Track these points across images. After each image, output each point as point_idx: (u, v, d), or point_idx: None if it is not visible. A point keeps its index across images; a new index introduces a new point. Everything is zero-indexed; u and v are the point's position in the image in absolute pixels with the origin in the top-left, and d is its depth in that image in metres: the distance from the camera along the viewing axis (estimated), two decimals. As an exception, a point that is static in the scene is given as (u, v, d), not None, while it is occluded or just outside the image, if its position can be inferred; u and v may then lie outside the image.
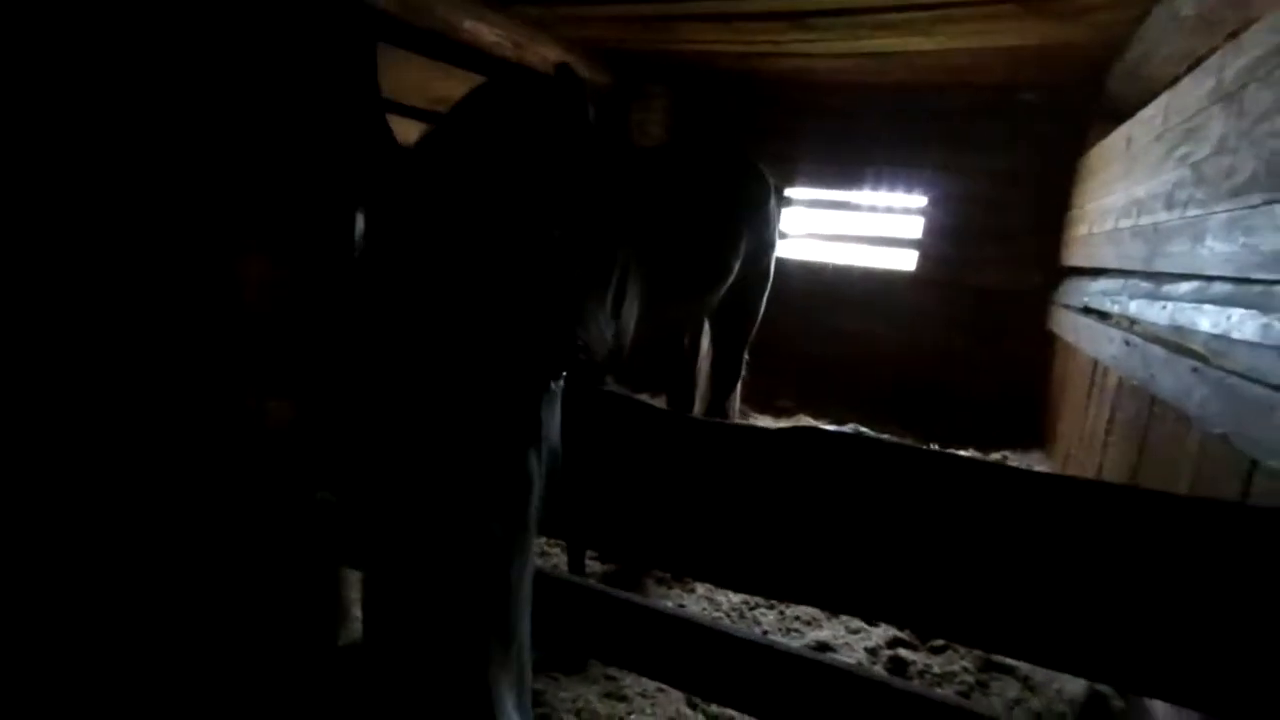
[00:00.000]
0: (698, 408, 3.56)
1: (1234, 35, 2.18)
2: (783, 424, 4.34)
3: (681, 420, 1.30)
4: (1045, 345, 4.68)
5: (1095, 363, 3.44)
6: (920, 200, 5.31)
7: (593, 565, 2.87)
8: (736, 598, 2.82)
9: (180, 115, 1.79)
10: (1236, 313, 1.85)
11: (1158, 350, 2.38)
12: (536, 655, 0.86)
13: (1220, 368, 1.87)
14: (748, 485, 1.25)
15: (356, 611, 2.40)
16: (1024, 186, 4.89)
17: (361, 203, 1.03)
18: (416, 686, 0.70)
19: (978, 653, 2.46)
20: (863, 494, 1.16)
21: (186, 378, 1.86)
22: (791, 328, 5.46)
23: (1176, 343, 2.29)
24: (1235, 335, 1.83)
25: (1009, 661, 2.39)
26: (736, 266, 2.94)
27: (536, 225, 0.92)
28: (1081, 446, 3.61)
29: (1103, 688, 2.21)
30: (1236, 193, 1.87)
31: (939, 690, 2.30)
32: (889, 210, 5.52)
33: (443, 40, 3.31)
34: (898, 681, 1.44)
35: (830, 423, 4.73)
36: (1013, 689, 2.32)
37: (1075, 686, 2.24)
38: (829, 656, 1.92)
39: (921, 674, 2.40)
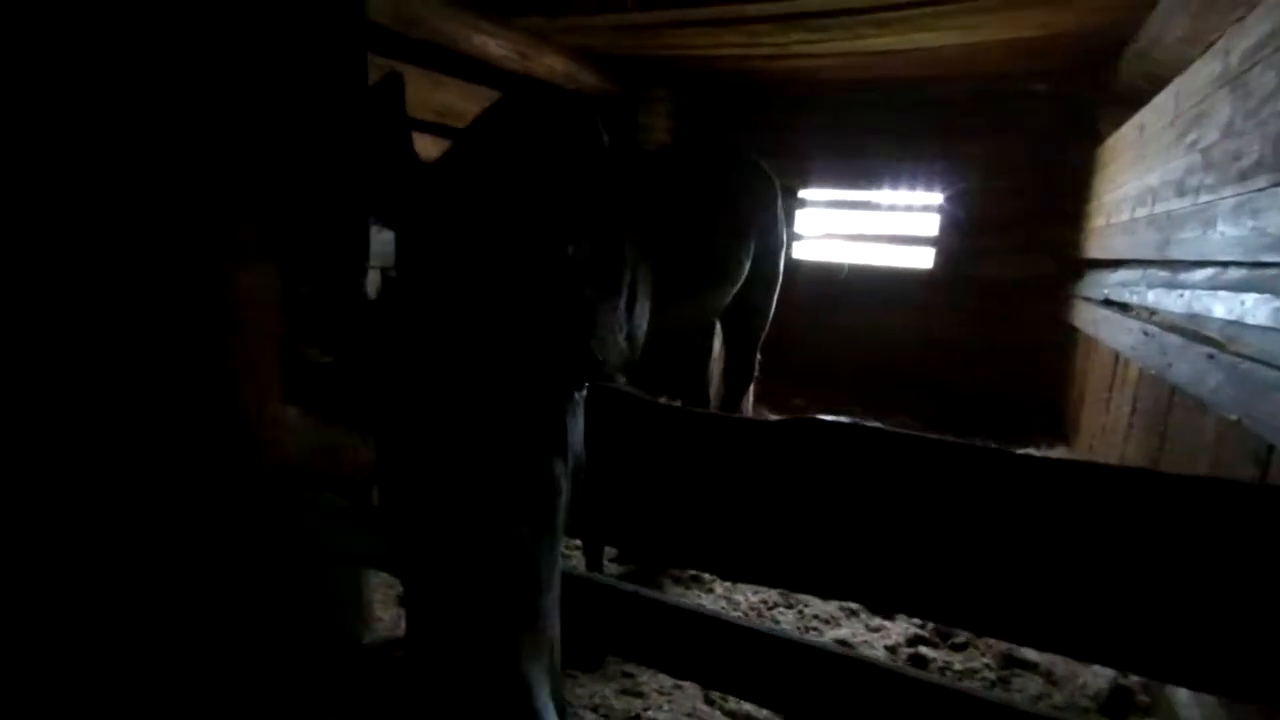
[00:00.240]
0: (712, 408, 3.57)
1: (1242, 18, 2.16)
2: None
3: (684, 413, 1.32)
4: (1066, 339, 4.62)
5: (1116, 355, 3.40)
6: (936, 197, 5.28)
7: (610, 568, 2.89)
8: (755, 597, 2.82)
9: (194, 127, 1.86)
10: (1250, 297, 1.83)
11: (1174, 339, 2.35)
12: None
13: (1234, 353, 1.85)
14: (751, 476, 1.27)
15: (379, 613, 2.46)
16: (1039, 178, 4.84)
17: (386, 219, 1.07)
18: (455, 679, 0.74)
19: (999, 649, 2.44)
20: (862, 482, 1.17)
21: (206, 386, 1.93)
22: (806, 329, 5.45)
23: (1193, 330, 2.26)
24: (1249, 320, 1.81)
25: (1031, 657, 2.36)
26: (746, 267, 2.95)
27: (556, 243, 0.96)
28: (1104, 439, 3.56)
29: (1126, 681, 2.18)
30: (1244, 176, 1.85)
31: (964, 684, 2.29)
32: (904, 208, 5.50)
33: (448, 54, 3.39)
34: (922, 674, 1.43)
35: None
36: (1035, 685, 2.30)
37: (1098, 681, 2.21)
38: (851, 651, 1.92)
39: (942, 671, 2.38)
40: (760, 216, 3.10)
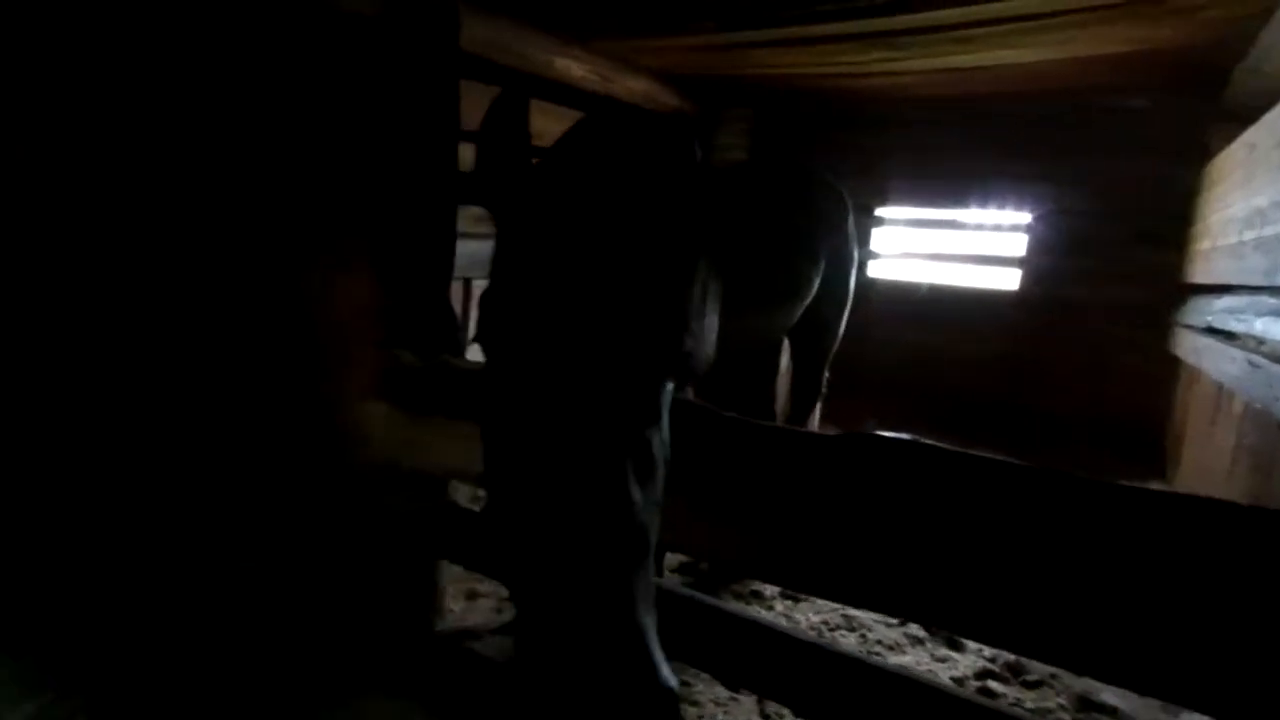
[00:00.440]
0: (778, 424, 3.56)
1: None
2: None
3: (743, 425, 1.36)
4: (1164, 368, 4.34)
5: (1219, 386, 3.18)
6: (1024, 217, 5.07)
7: (669, 578, 2.93)
8: (816, 618, 2.79)
9: (319, 156, 2.06)
10: (1365, 327, 1.70)
11: (1281, 370, 2.20)
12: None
13: (1347, 387, 1.72)
14: (809, 489, 1.29)
15: (451, 605, 2.59)
16: (1139, 197, 4.57)
17: (503, 218, 1.16)
18: (580, 629, 0.81)
19: (1076, 690, 2.33)
20: (920, 499, 1.18)
21: (315, 385, 2.12)
22: (881, 349, 5.34)
23: (1303, 362, 2.11)
24: (1364, 351, 1.68)
25: (1109, 701, 2.24)
26: (815, 284, 2.96)
27: (659, 246, 1.04)
28: (1204, 476, 3.33)
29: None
30: (1360, 198, 1.73)
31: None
32: (989, 228, 5.31)
33: (533, 78, 3.57)
34: (995, 704, 1.38)
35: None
36: (1113, 730, 2.18)
37: (1185, 731, 2.07)
38: (918, 674, 1.88)
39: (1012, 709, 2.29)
40: (831, 234, 3.10)
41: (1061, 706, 2.28)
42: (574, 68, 3.79)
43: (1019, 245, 5.13)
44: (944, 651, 2.57)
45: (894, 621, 2.75)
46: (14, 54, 1.92)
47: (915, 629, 2.69)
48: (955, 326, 5.31)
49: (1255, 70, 3.24)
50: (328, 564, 2.36)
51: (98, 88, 2.04)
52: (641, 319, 0.99)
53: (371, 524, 2.28)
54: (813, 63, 4.03)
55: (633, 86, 4.31)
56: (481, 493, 3.46)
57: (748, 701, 2.18)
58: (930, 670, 2.48)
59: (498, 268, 1.09)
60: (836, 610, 2.82)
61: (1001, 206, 5.14)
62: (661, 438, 1.04)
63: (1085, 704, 2.26)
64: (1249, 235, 2.90)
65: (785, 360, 3.53)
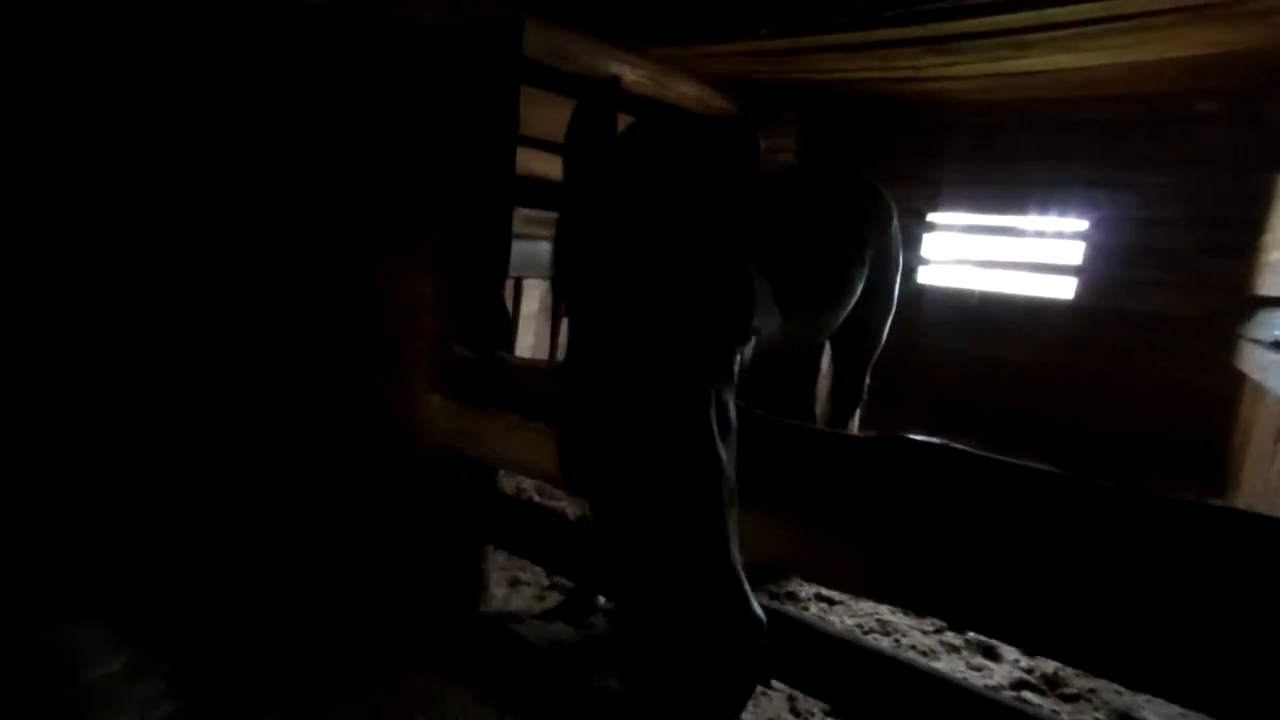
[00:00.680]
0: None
1: None
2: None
3: (775, 424, 1.42)
4: (1227, 383, 4.17)
5: (1284, 403, 3.07)
6: (1081, 224, 4.94)
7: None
8: (850, 620, 2.81)
9: (394, 162, 2.21)
10: None
11: (1345, 388, 2.13)
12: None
13: None
14: (842, 489, 1.34)
15: (494, 590, 2.71)
16: (1205, 205, 4.40)
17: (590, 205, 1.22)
18: (684, 578, 0.87)
19: (1115, 706, 2.30)
20: (949, 501, 1.22)
21: (380, 376, 2.26)
22: (929, 356, 5.28)
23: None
24: None
25: (1149, 719, 2.21)
26: (858, 289, 2.97)
27: (730, 231, 1.13)
28: (1267, 496, 3.21)
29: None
30: None
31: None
32: (1045, 235, 5.18)
33: (588, 82, 3.67)
34: (1029, 707, 1.39)
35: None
36: (1153, 748, 2.15)
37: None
38: (964, 680, 1.88)
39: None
40: (875, 238, 3.10)
41: (1098, 722, 2.26)
42: (629, 73, 3.88)
43: (1075, 253, 4.99)
44: (979, 660, 2.56)
45: (929, 628, 2.75)
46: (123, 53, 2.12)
47: (951, 636, 2.69)
48: (1007, 335, 5.21)
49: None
50: (383, 545, 2.51)
51: (201, 95, 2.22)
52: (721, 289, 1.08)
53: (424, 508, 2.42)
54: (867, 67, 4.02)
55: (685, 91, 4.38)
56: (526, 483, 3.59)
57: (779, 698, 2.23)
58: (963, 678, 2.48)
59: (585, 241, 1.15)
60: (871, 615, 2.84)
61: (1059, 213, 5.01)
62: (734, 404, 1.12)
63: (1123, 719, 2.24)
64: (1320, 248, 2.79)
65: (826, 364, 3.55)
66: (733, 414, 1.09)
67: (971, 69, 3.86)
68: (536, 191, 2.92)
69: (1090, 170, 4.81)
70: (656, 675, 0.87)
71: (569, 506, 3.50)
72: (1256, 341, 3.69)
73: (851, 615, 2.83)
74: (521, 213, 2.75)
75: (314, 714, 2.00)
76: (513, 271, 2.73)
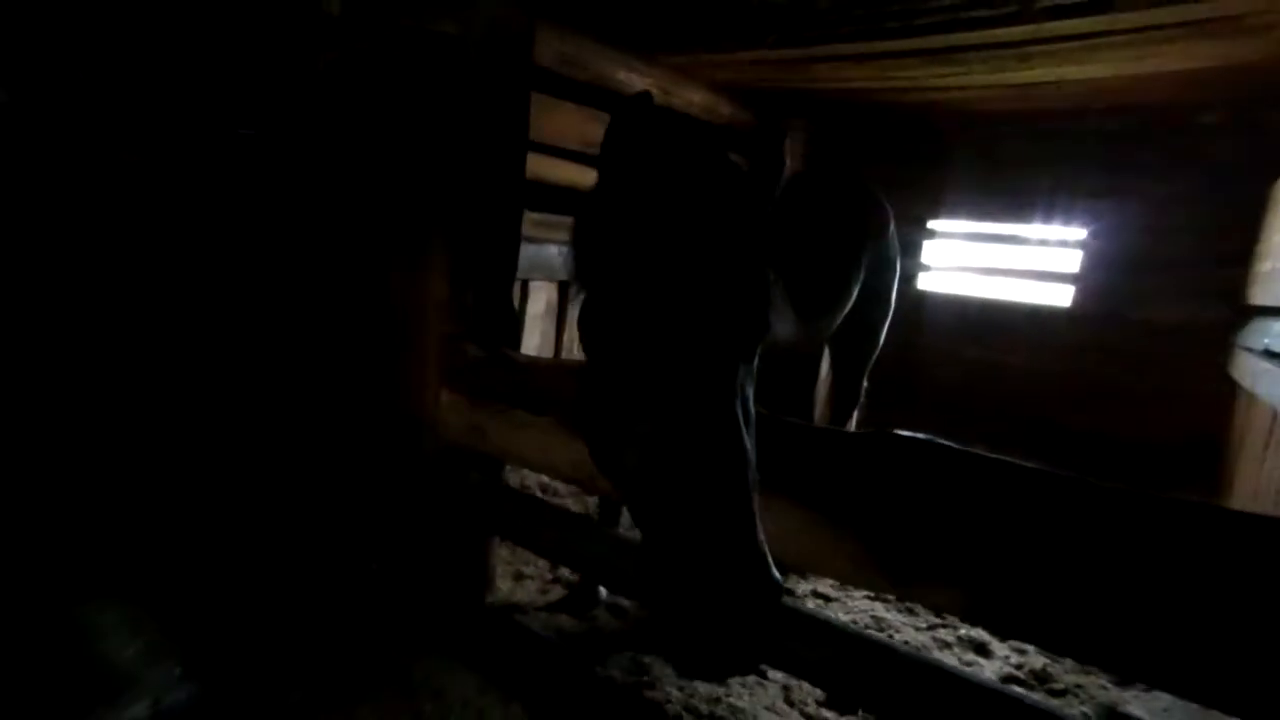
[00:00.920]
0: (818, 431, 3.65)
1: None
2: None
3: (770, 420, 1.49)
4: (1222, 390, 4.24)
5: (1274, 413, 3.12)
6: (1079, 233, 5.00)
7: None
8: (845, 616, 2.88)
9: (407, 168, 2.29)
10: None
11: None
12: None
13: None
14: (834, 483, 1.42)
15: (499, 584, 2.79)
16: (1200, 214, 4.47)
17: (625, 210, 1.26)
18: (712, 551, 0.94)
19: (1102, 700, 2.37)
20: (937, 495, 1.29)
21: (395, 373, 2.34)
22: (929, 362, 5.34)
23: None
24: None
25: (1135, 713, 2.27)
26: (855, 292, 3.04)
27: (751, 235, 1.20)
28: (1255, 504, 3.27)
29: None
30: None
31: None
32: (1046, 243, 5.25)
33: (596, 90, 3.75)
34: (1028, 696, 1.45)
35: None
36: (1137, 742, 2.21)
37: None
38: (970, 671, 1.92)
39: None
40: (871, 242, 3.17)
41: (1085, 716, 2.32)
42: (637, 80, 3.96)
43: (1073, 261, 5.06)
44: (971, 656, 2.63)
45: (922, 625, 2.82)
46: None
47: (944, 633, 2.76)
48: (1006, 342, 5.27)
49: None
50: (393, 538, 2.59)
51: (223, 103, 2.31)
52: (744, 288, 1.15)
53: (433, 502, 2.50)
54: (872, 77, 4.09)
55: (691, 98, 4.45)
56: (530, 480, 3.66)
57: (774, 687, 2.30)
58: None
59: (622, 243, 1.19)
60: (866, 611, 2.91)
61: (1059, 221, 5.07)
62: (752, 398, 1.19)
63: (1110, 715, 2.30)
64: (1309, 258, 2.86)
65: (824, 368, 3.62)
66: (752, 407, 1.16)
67: (974, 79, 3.93)
68: (545, 195, 3.00)
69: (1089, 179, 4.87)
70: (681, 615, 0.94)
71: (572, 503, 3.57)
72: (1249, 350, 3.75)
73: (846, 612, 2.91)
74: (529, 216, 2.82)
75: (323, 700, 2.06)
76: (520, 274, 2.80)
